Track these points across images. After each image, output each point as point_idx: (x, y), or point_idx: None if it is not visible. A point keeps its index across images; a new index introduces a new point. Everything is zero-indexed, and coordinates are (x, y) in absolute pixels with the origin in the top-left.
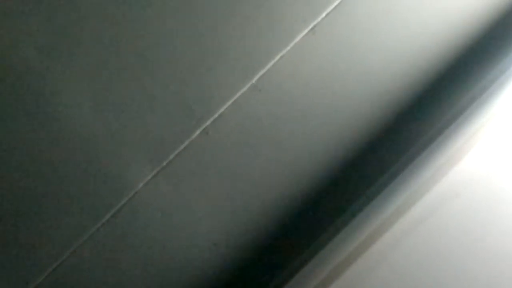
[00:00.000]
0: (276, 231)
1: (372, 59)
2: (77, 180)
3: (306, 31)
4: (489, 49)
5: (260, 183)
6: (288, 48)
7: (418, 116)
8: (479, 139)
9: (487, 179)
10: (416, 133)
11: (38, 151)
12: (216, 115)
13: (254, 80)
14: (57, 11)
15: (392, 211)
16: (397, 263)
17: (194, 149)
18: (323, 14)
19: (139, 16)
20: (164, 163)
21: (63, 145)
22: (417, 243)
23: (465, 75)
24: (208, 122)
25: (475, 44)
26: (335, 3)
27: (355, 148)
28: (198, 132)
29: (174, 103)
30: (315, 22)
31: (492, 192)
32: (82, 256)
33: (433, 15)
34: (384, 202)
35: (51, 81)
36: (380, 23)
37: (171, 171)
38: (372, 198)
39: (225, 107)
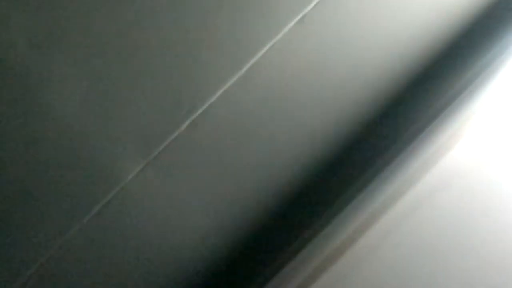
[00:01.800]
0: (265, 224)
1: (362, 49)
2: (64, 173)
3: (295, 21)
4: (479, 39)
5: (249, 176)
6: (277, 38)
7: (407, 107)
8: (468, 129)
9: (476, 170)
10: (404, 124)
11: (26, 144)
12: (205, 107)
13: (243, 71)
14: (46, 4)
15: (381, 203)
16: (386, 255)
17: (183, 141)
18: (312, 4)
19: (127, 8)
20: (153, 155)
21: (51, 138)
22: (406, 234)
23: (455, 65)
24: (197, 114)
25: (464, 34)
26: None
27: (343, 139)
28: (186, 123)
29: (162, 95)
30: (304, 12)
31: (482, 183)
32: (71, 249)
33: (423, 4)
34: (372, 193)
35: (39, 74)
36: (370, 13)
37: (159, 163)
38: (360, 190)
39: (214, 98)
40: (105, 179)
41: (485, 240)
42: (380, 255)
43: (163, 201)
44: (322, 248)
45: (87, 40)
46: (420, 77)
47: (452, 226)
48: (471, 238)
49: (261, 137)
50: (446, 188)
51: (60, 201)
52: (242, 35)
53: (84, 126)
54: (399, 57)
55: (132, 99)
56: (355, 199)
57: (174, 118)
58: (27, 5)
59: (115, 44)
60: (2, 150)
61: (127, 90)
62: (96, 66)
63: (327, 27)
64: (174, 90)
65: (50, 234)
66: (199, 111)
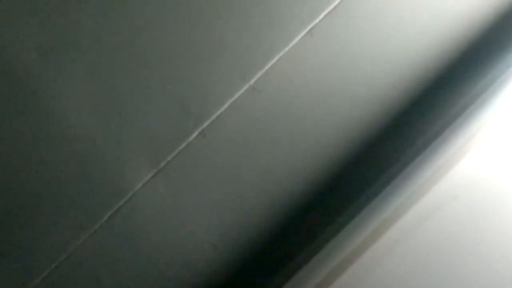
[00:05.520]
0: (274, 232)
1: (369, 60)
2: (75, 181)
3: (304, 32)
4: (487, 51)
5: (257, 185)
6: (286, 49)
7: (416, 118)
8: (478, 141)
9: (485, 181)
10: (414, 135)
11: (36, 152)
12: (213, 117)
13: (251, 82)
14: (55, 12)
15: (390, 213)
16: (395, 266)
17: (191, 150)
18: (321, 16)
19: (137, 17)
20: (162, 165)
21: (61, 147)
22: (415, 245)
23: (464, 76)
24: (206, 124)
25: (474, 45)
26: (333, 5)
27: (352, 150)
28: (195, 133)
29: (172, 105)
30: (312, 24)
31: (491, 194)
32: (80, 258)
33: (431, 16)
34: (382, 204)
35: (49, 82)
36: (378, 25)
37: (169, 172)
38: (370, 200)
39: (222, 108)
40: (115, 187)
41: (494, 250)
42: (389, 264)
43: (172, 210)
44: (331, 257)
45: (96, 49)
46: (429, 88)
47: (461, 236)
48: (480, 248)
49: (270, 146)
50: (455, 199)
51: (70, 209)
52: (250, 47)
53: (93, 135)
54: (407, 69)
55: (142, 109)
56: (365, 209)
57: (183, 128)
58: (37, 14)
59: (124, 54)
60: (12, 157)
61: (137, 100)
62: (105, 75)
63: (336, 39)
64: (183, 101)
65: (60, 241)
66: (208, 121)
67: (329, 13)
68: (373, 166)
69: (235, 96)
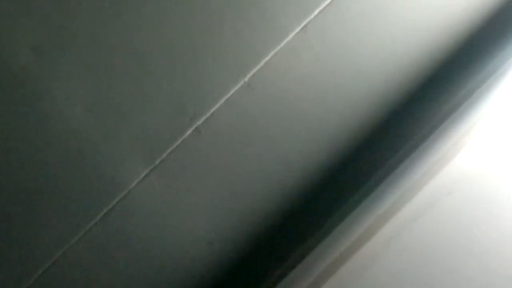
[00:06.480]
0: (269, 229)
1: (364, 57)
2: (69, 179)
3: (298, 29)
4: (482, 47)
5: (252, 181)
6: (280, 46)
7: (411, 114)
8: (472, 137)
9: (479, 177)
10: (408, 131)
11: (30, 150)
12: (208, 114)
13: (246, 79)
14: (51, 10)
15: (385, 210)
16: (390, 262)
17: (187, 147)
18: (315, 12)
19: (132, 15)
20: (157, 162)
21: (56, 144)
22: (411, 241)
23: (458, 73)
24: (201, 121)
25: (468, 42)
26: (327, 1)
27: (347, 146)
28: (190, 130)
29: (167, 102)
30: (307, 21)
31: (485, 190)
32: (76, 255)
33: (426, 13)
34: (376, 200)
35: (45, 80)
36: (373, 21)
37: (164, 169)
38: (365, 197)
39: (217, 105)
40: (110, 185)
41: (488, 246)
42: (384, 261)
43: (167, 207)
44: (327, 254)
45: (92, 47)
46: (424, 84)
47: (456, 232)
48: (475, 244)
49: (265, 143)
50: (450, 195)
51: (65, 207)
52: (245, 43)
53: (89, 132)
54: (402, 65)
55: (137, 106)
56: (360, 205)
57: (178, 125)
58: (32, 14)
59: (120, 52)
60: (7, 156)
61: (132, 98)
62: (101, 72)
63: (330, 35)
64: (178, 98)
65: (55, 239)
66: (203, 118)
67: (323, 9)
68: (368, 162)
69: (230, 93)
